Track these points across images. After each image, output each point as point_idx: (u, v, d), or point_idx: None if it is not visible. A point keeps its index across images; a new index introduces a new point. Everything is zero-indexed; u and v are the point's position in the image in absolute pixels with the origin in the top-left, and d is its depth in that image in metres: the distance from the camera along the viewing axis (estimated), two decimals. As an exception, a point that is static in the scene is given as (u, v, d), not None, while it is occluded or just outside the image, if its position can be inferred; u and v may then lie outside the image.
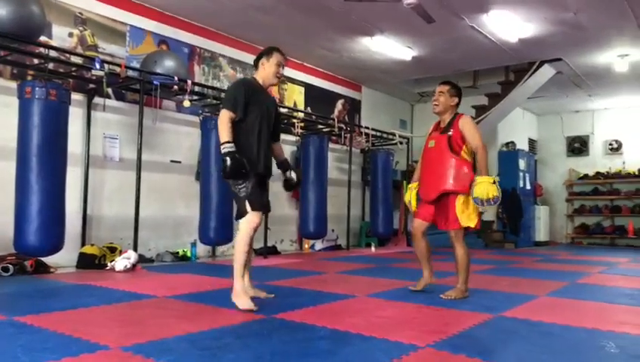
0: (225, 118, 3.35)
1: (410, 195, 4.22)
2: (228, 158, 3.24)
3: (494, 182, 3.70)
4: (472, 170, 3.81)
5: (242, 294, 3.31)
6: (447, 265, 6.50)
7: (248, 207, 3.38)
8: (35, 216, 4.50)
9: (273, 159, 3.76)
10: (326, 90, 9.21)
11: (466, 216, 3.85)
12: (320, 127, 8.32)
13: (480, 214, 3.91)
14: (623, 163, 11.71)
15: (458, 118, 3.93)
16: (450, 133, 3.90)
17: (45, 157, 4.56)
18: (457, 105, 4.02)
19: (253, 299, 3.54)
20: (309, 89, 8.85)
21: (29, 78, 5.05)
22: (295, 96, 8.59)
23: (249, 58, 7.74)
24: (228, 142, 3.30)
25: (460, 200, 3.82)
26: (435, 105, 4.01)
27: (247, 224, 3.40)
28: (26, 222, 4.49)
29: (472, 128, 3.89)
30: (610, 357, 2.44)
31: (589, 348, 2.59)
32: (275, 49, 3.67)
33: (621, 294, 4.44)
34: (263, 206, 3.50)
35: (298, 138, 7.93)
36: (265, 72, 3.62)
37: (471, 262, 3.98)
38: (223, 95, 6.80)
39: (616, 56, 8.07)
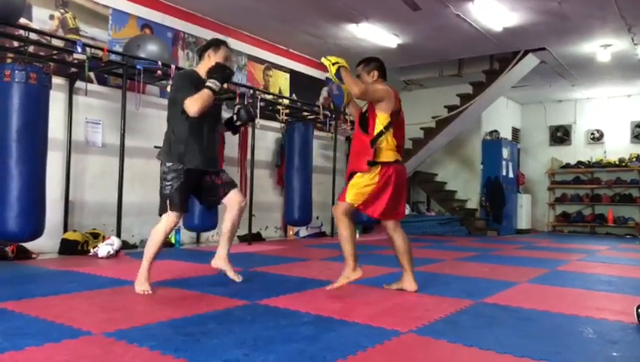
0: (192, 101, 3.30)
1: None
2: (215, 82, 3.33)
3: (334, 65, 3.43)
4: (369, 146, 3.43)
5: (143, 281, 3.36)
6: (430, 252, 6.56)
7: (168, 206, 3.38)
8: (14, 202, 4.43)
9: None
10: (311, 77, 9.17)
11: (353, 191, 3.46)
12: (305, 114, 8.30)
13: (368, 197, 3.45)
14: (604, 152, 11.87)
15: None
16: (365, 109, 3.60)
17: (25, 142, 4.48)
18: (381, 76, 3.62)
19: (222, 272, 3.75)
20: (295, 75, 8.81)
21: (9, 61, 4.95)
22: (280, 83, 8.55)
23: (233, 43, 7.66)
24: (205, 87, 3.32)
25: (357, 177, 3.47)
26: None
27: (164, 224, 3.41)
28: (5, 208, 4.43)
29: (375, 84, 3.53)
30: (588, 342, 2.50)
31: (567, 334, 2.64)
32: (223, 42, 3.64)
33: (600, 281, 4.52)
34: (181, 206, 3.42)
35: (283, 125, 7.90)
36: (211, 64, 3.53)
37: (356, 247, 3.52)
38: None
39: (599, 47, 8.15)
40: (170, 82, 5.81)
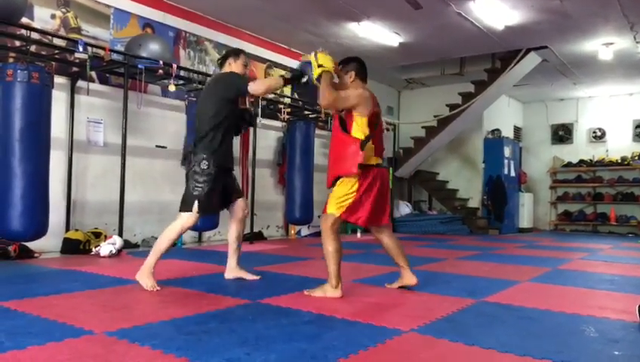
0: (260, 82, 3.71)
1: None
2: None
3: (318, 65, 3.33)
4: (360, 149, 3.28)
5: (149, 274, 3.45)
6: (432, 251, 6.56)
7: (195, 207, 3.49)
8: (18, 201, 4.44)
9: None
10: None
11: (334, 201, 3.35)
12: (307, 113, 8.29)
13: (350, 206, 3.32)
14: (606, 151, 11.86)
15: None
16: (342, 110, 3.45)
17: (28, 141, 4.49)
18: (357, 76, 3.49)
19: (238, 279, 3.87)
20: (296, 74, 8.80)
21: (11, 60, 4.96)
22: (282, 82, 8.54)
23: (235, 42, 7.70)
24: (281, 76, 3.76)
25: (340, 184, 3.36)
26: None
27: (184, 221, 3.54)
28: (9, 207, 4.44)
29: (347, 90, 3.41)
30: (590, 341, 2.49)
31: (569, 333, 2.63)
32: (242, 51, 3.92)
33: (602, 280, 4.52)
34: (208, 210, 3.62)
35: (284, 124, 7.90)
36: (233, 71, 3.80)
37: (342, 259, 3.39)
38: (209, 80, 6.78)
39: (601, 45, 8.13)
40: (172, 81, 5.92)
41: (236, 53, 3.86)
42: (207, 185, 3.51)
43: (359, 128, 3.36)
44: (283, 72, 3.74)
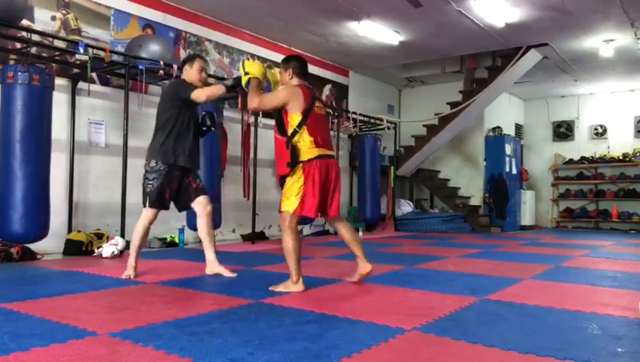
0: (201, 90, 3.82)
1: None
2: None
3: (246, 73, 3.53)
4: (286, 147, 3.49)
5: (131, 269, 3.87)
6: (433, 249, 6.56)
7: (147, 202, 3.83)
8: (19, 203, 4.46)
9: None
10: (313, 75, 9.14)
11: (286, 199, 3.47)
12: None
13: (301, 200, 3.42)
14: (608, 147, 11.84)
15: None
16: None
17: (28, 143, 4.51)
18: (297, 74, 3.61)
19: (216, 275, 4.01)
20: (297, 74, 8.80)
21: (11, 62, 4.97)
22: (282, 81, 8.54)
23: (235, 42, 7.71)
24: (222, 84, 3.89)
25: (288, 181, 3.50)
26: None
27: (143, 216, 3.87)
28: (10, 209, 4.45)
29: (274, 92, 3.63)
30: (593, 338, 2.49)
31: (572, 330, 2.63)
32: (197, 56, 4.09)
33: (604, 277, 4.51)
34: (159, 204, 3.85)
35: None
36: (189, 77, 3.98)
37: (298, 250, 3.49)
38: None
39: (601, 41, 8.13)
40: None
41: (191, 59, 4.03)
42: (156, 181, 3.78)
43: (294, 124, 3.48)
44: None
